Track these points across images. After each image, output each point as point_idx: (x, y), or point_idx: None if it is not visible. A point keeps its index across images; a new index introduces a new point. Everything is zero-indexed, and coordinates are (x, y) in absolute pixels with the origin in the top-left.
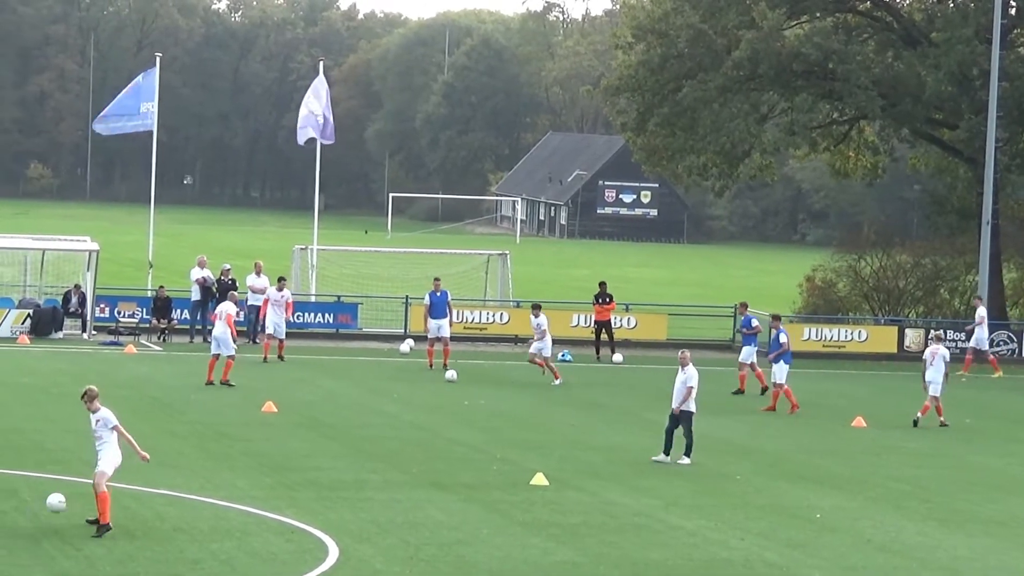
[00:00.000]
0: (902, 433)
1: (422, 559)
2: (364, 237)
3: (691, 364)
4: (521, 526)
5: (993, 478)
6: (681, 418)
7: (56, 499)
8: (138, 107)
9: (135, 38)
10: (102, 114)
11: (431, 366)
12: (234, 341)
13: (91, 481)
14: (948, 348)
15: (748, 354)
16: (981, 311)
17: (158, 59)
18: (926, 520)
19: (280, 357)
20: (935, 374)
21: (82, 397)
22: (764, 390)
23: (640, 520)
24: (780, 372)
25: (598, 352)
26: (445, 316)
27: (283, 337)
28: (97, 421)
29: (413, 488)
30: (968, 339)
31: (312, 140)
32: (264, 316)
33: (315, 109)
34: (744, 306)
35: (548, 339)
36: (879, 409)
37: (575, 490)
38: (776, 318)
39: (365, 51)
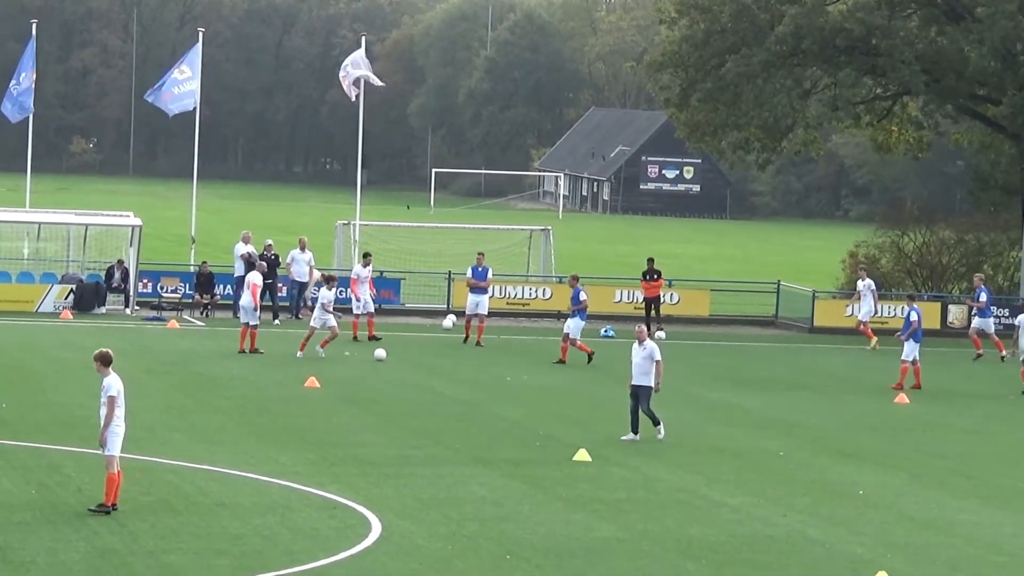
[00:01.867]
0: (945, 409)
1: (464, 535)
2: (407, 212)
3: (648, 339)
4: (564, 502)
5: None
6: (640, 393)
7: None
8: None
9: (178, 12)
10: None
11: (466, 339)
12: (256, 310)
13: (130, 456)
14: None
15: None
16: None
17: (201, 34)
18: (970, 497)
19: (371, 336)
20: None
21: (94, 358)
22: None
23: (683, 496)
24: (909, 350)
25: (648, 328)
26: (485, 292)
27: (372, 312)
28: (102, 388)
29: (456, 464)
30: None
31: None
32: (356, 294)
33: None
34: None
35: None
36: (923, 385)
37: (617, 466)
38: (911, 298)
39: (408, 26)
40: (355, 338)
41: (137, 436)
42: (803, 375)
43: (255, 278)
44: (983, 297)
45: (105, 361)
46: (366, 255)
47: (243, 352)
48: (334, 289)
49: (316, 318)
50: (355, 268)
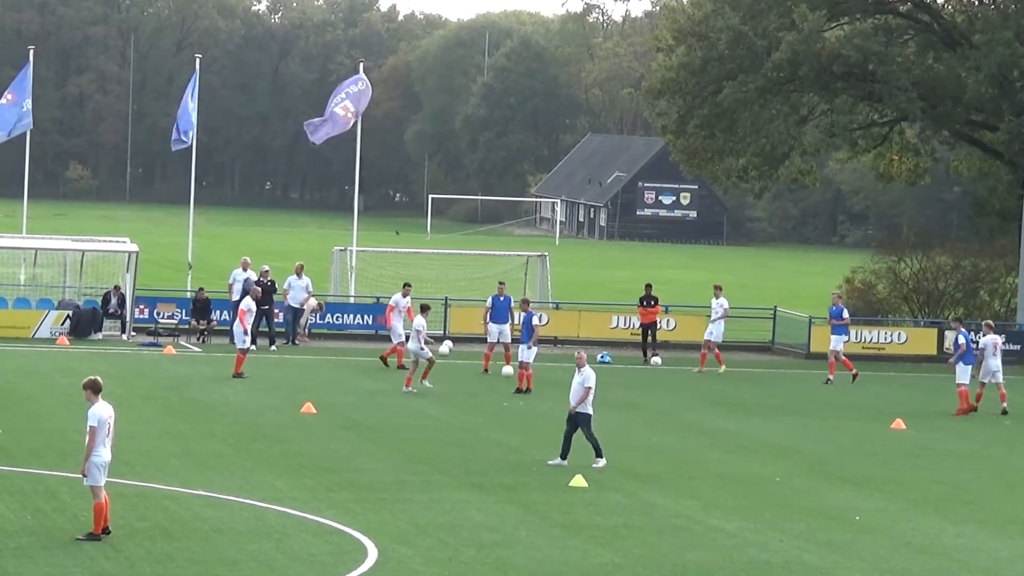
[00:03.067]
0: (942, 435)
1: (461, 561)
2: (404, 239)
3: (587, 365)
4: (560, 528)
5: None
6: (579, 420)
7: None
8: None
9: (175, 39)
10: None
11: (487, 370)
12: (246, 334)
13: (127, 482)
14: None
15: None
16: None
17: (198, 60)
18: (967, 522)
19: (400, 366)
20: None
21: (83, 386)
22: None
23: (679, 522)
24: (962, 373)
25: (645, 354)
26: (507, 321)
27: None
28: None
29: (452, 489)
30: None
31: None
32: (389, 323)
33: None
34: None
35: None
36: (919, 411)
37: (614, 491)
38: (959, 320)
39: (405, 52)
40: (401, 366)
41: (133, 462)
42: (799, 401)
43: (245, 304)
44: (845, 314)
45: (95, 389)
46: (406, 285)
47: (238, 376)
48: (426, 317)
49: (411, 349)
50: (394, 297)
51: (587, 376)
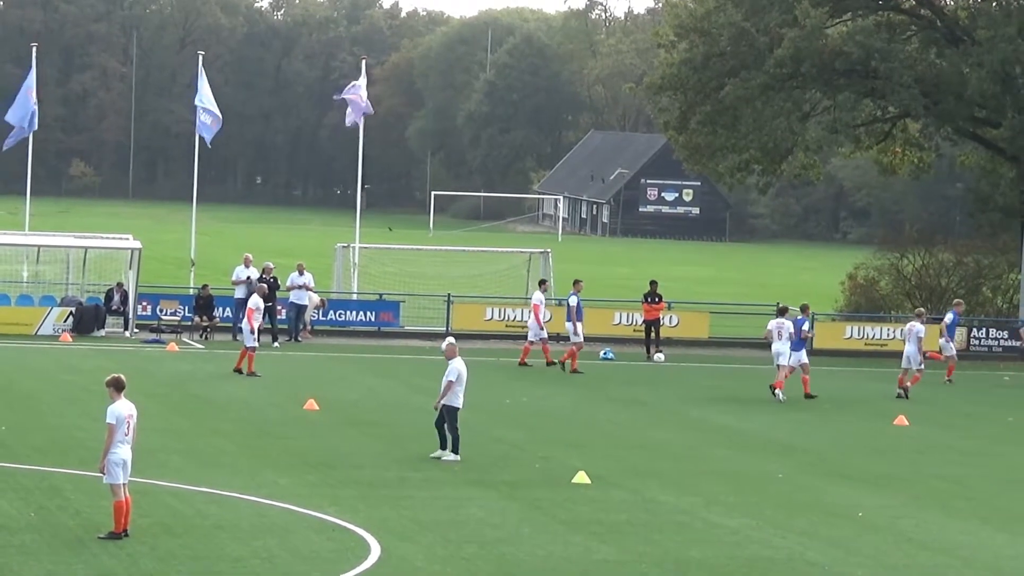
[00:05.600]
0: (945, 431)
1: (463, 557)
2: (406, 236)
3: (457, 357)
4: (563, 524)
5: None
6: (445, 413)
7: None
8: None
9: (177, 36)
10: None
11: (550, 363)
12: (253, 333)
13: (131, 479)
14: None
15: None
16: None
17: (200, 57)
18: (970, 519)
19: (549, 363)
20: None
21: (105, 383)
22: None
23: (682, 518)
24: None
25: (648, 350)
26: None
27: (545, 338)
28: (131, 417)
29: (454, 486)
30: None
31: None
32: (538, 321)
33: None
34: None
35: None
36: (921, 407)
37: (617, 488)
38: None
39: (407, 49)
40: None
41: (136, 459)
42: (802, 397)
43: (253, 302)
44: (806, 326)
45: (117, 387)
46: (542, 281)
47: (238, 371)
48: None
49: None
50: (535, 295)
51: (451, 370)
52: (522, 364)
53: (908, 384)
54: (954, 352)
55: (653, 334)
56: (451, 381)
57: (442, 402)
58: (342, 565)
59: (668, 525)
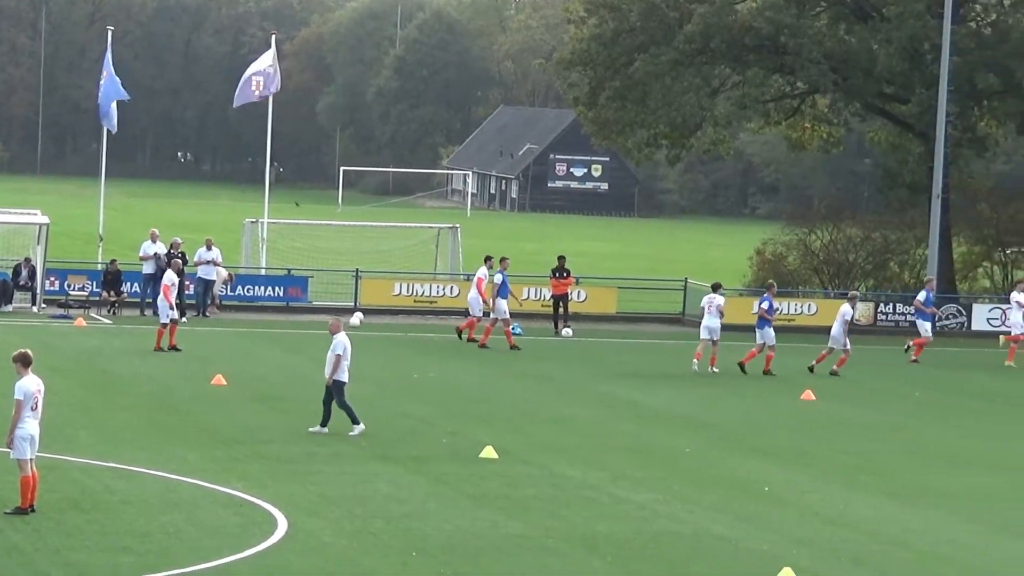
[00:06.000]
0: (851, 407)
1: (370, 532)
2: (314, 211)
3: (341, 332)
4: (470, 499)
5: (943, 451)
6: (332, 388)
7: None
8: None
9: (87, 11)
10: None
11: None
12: (171, 309)
13: (39, 455)
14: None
15: None
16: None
17: (110, 32)
18: (876, 493)
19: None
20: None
21: (12, 359)
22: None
23: (589, 493)
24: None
25: (556, 326)
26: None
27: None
28: (39, 392)
29: (361, 461)
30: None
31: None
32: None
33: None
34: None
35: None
36: (828, 382)
37: (524, 463)
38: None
39: (317, 24)
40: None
41: (43, 434)
42: (709, 372)
43: (168, 278)
44: (764, 304)
45: (24, 362)
46: (487, 258)
47: (159, 350)
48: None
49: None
50: (480, 270)
51: (337, 343)
52: (470, 340)
53: (836, 368)
54: (930, 332)
55: (561, 309)
56: (339, 355)
57: (338, 378)
58: (249, 540)
59: (575, 500)
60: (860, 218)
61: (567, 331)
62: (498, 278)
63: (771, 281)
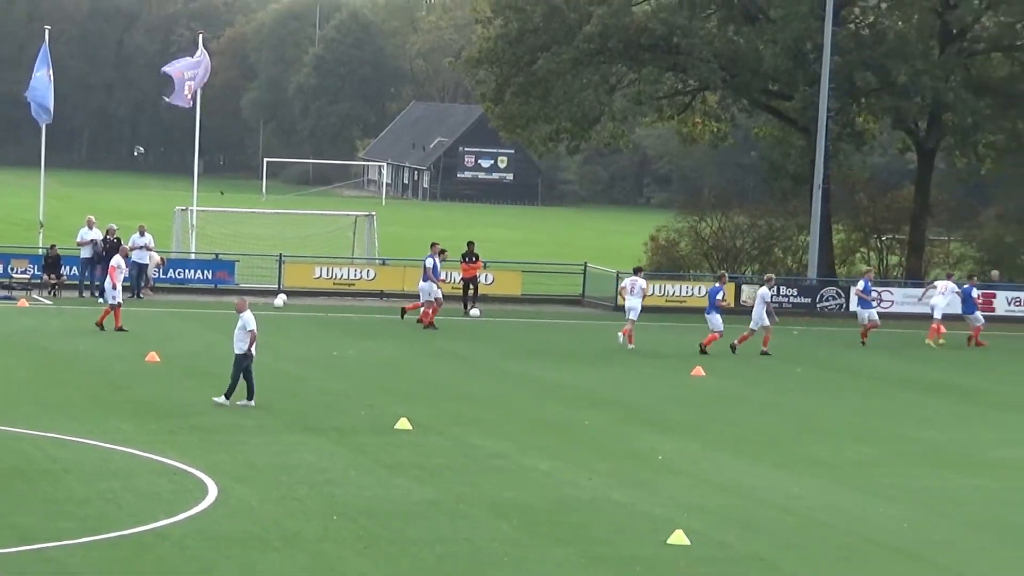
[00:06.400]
0: (738, 382)
1: (294, 498)
2: (239, 199)
3: (247, 311)
4: (386, 468)
5: (823, 423)
6: (239, 360)
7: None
8: (45, 82)
9: (25, 10)
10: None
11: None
12: (115, 289)
13: None
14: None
15: None
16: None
17: (47, 31)
18: (761, 462)
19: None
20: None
21: None
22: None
23: (497, 462)
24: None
25: (465, 307)
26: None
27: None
28: None
29: (286, 432)
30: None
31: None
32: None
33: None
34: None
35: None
36: (717, 359)
37: (437, 434)
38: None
39: (241, 24)
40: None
41: None
42: (608, 350)
43: (115, 261)
44: (719, 295)
45: None
46: (433, 244)
47: (101, 328)
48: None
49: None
50: (427, 260)
51: (248, 320)
52: (429, 326)
53: (764, 348)
54: (876, 317)
55: (471, 291)
56: (253, 331)
57: (239, 351)
58: (182, 505)
59: (484, 468)
60: (747, 207)
61: (475, 311)
62: (429, 262)
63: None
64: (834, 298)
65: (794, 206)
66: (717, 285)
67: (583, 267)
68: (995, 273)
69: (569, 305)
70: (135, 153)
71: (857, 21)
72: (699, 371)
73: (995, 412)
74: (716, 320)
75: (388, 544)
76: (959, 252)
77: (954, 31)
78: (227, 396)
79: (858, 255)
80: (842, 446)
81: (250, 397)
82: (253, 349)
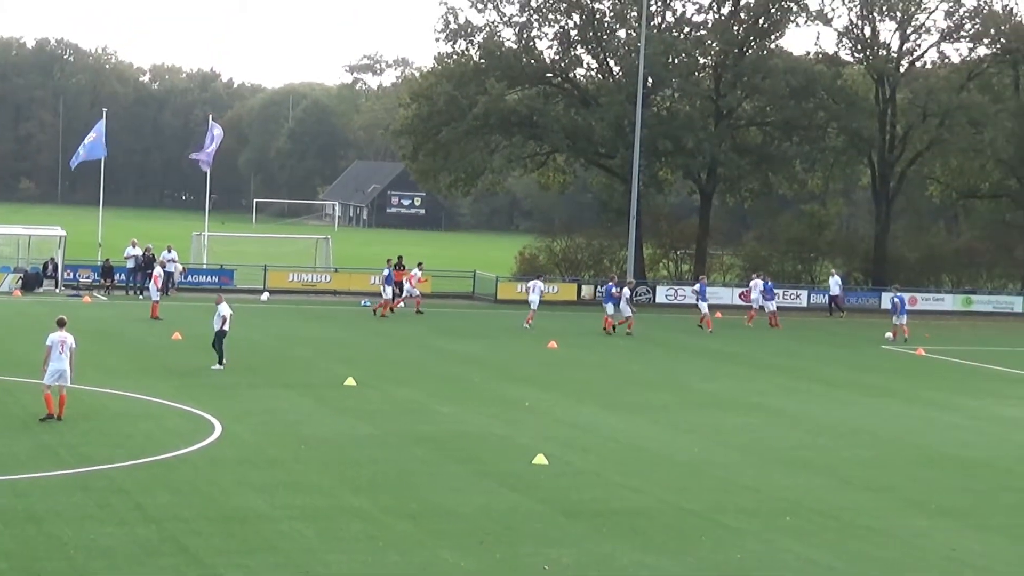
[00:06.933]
0: (579, 351)
1: (275, 433)
2: (236, 227)
3: (224, 303)
4: (339, 411)
5: (637, 378)
6: (220, 335)
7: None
8: (100, 144)
9: (89, 99)
10: (81, 152)
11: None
12: (159, 291)
13: (79, 387)
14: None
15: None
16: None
17: (104, 112)
18: (594, 406)
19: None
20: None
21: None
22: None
23: (415, 407)
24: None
25: (394, 300)
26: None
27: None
28: (63, 342)
29: (269, 388)
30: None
31: (196, 160)
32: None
33: (207, 146)
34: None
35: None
36: (565, 335)
37: (372, 389)
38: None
39: (238, 107)
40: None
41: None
42: (490, 330)
43: (157, 271)
44: (624, 291)
45: (60, 323)
46: (387, 260)
47: (155, 319)
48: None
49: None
50: (415, 271)
51: (224, 307)
52: (418, 312)
53: (629, 331)
54: (760, 306)
55: (400, 291)
56: (225, 316)
57: (218, 328)
58: (197, 438)
59: (406, 412)
60: (585, 232)
61: (402, 305)
62: (385, 272)
63: (630, 280)
64: (645, 293)
65: (617, 231)
66: (609, 284)
67: (473, 273)
68: (755, 276)
69: (463, 299)
70: (214, 200)
71: (658, 105)
72: (553, 344)
73: (753, 370)
74: (610, 308)
75: (339, 464)
76: (730, 262)
77: (724, 111)
78: (220, 363)
79: (660, 264)
80: (650, 394)
81: (220, 362)
82: (227, 327)
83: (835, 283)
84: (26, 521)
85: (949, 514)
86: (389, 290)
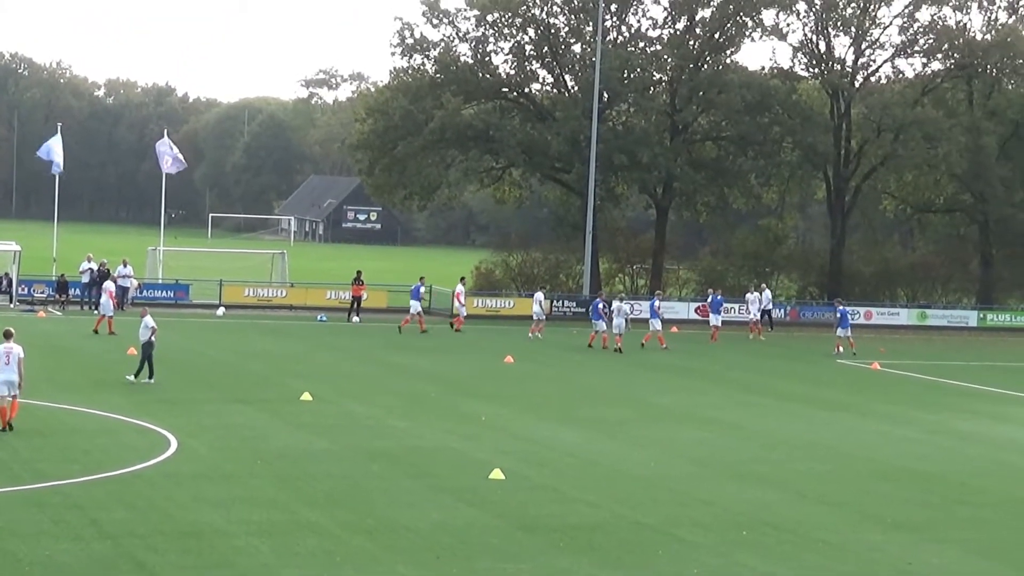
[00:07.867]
0: (535, 366)
1: (230, 448)
2: (191, 241)
3: (148, 316)
4: (293, 426)
5: (593, 393)
6: (146, 348)
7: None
8: (52, 157)
9: (43, 113)
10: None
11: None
12: (111, 304)
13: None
14: (562, 312)
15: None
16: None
17: (59, 127)
18: (551, 421)
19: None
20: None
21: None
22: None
23: (370, 422)
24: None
25: (349, 316)
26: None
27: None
28: (9, 352)
29: (224, 403)
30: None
31: (171, 167)
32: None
33: (167, 153)
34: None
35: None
36: (521, 351)
37: (329, 404)
38: (611, 296)
39: (194, 122)
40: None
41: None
42: (446, 344)
43: (110, 286)
44: (601, 306)
45: (6, 335)
46: (422, 278)
47: (96, 333)
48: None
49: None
50: (414, 287)
51: (148, 321)
52: (423, 331)
53: (618, 345)
54: (717, 322)
55: (356, 305)
56: (154, 327)
57: (145, 340)
58: (152, 454)
59: (361, 427)
60: (541, 246)
61: (356, 319)
62: (413, 287)
63: (618, 294)
64: (605, 305)
65: (573, 246)
66: (597, 300)
67: (429, 287)
68: (752, 290)
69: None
70: (171, 215)
71: (614, 120)
72: (509, 359)
73: (708, 384)
74: (601, 324)
75: (296, 479)
76: (686, 276)
77: (680, 126)
78: (135, 376)
79: (616, 278)
80: (607, 409)
81: (150, 376)
82: (154, 338)
83: (766, 297)
84: None
85: (904, 527)
86: (417, 304)
